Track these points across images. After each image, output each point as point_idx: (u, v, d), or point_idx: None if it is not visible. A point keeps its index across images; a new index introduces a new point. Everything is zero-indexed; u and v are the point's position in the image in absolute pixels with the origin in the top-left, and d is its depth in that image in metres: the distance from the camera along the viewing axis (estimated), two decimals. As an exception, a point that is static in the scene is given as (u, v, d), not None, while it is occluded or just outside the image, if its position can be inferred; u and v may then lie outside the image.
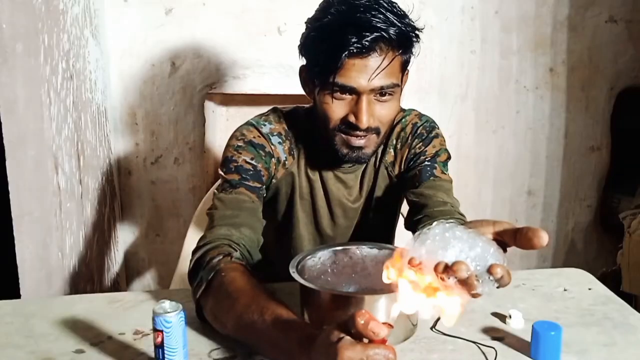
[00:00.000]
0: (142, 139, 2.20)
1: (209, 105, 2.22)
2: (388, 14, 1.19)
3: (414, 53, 1.26)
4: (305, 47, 1.29)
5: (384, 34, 1.18)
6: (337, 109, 1.24)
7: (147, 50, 2.12)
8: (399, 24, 1.20)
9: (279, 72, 2.18)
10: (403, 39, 1.21)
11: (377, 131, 1.26)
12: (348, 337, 0.82)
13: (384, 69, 1.19)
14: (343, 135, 1.26)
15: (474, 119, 2.42)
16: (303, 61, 1.32)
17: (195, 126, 2.20)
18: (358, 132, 1.25)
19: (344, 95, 1.23)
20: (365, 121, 1.22)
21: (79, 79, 1.79)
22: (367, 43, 1.17)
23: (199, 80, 2.17)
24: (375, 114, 1.24)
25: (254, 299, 1.03)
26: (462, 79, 2.37)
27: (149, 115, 2.18)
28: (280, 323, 0.96)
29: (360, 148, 1.27)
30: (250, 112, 1.46)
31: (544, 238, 0.79)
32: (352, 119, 1.23)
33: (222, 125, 2.28)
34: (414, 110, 1.44)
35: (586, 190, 2.57)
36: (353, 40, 1.17)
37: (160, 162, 2.23)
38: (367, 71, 1.20)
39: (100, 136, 2.00)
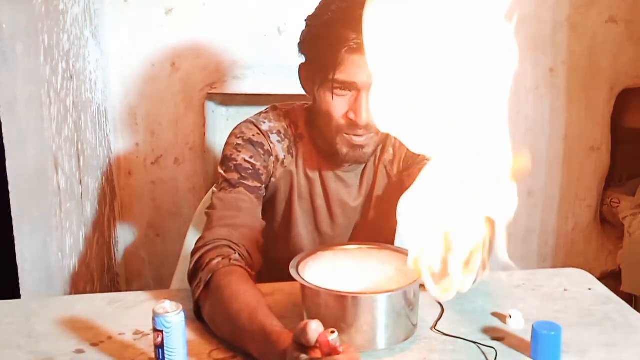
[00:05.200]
0: (142, 139, 2.19)
1: (209, 105, 2.22)
2: None
3: None
4: (305, 44, 1.29)
5: None
6: (337, 106, 1.25)
7: (147, 50, 2.12)
8: None
9: (279, 72, 2.17)
10: None
11: (376, 129, 1.26)
12: (303, 356, 0.86)
13: None
14: (345, 135, 1.26)
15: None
16: (303, 60, 1.32)
17: (195, 126, 2.20)
18: (359, 131, 1.25)
19: (344, 92, 1.23)
20: (364, 117, 1.22)
21: (79, 79, 1.79)
22: None
23: (199, 80, 2.16)
24: None
25: (245, 306, 1.04)
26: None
27: (149, 115, 2.17)
28: (265, 334, 0.98)
29: (360, 147, 1.27)
30: (250, 112, 1.46)
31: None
32: (352, 115, 1.24)
33: (222, 125, 2.28)
34: None
35: (586, 190, 2.56)
36: (353, 36, 1.18)
37: (160, 162, 2.23)
38: (366, 67, 1.20)
39: (100, 136, 2.00)
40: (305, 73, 1.33)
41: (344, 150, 1.28)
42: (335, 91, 1.23)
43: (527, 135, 2.46)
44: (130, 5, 2.08)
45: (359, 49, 1.18)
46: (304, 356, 0.87)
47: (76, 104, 1.75)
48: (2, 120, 1.44)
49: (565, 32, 2.38)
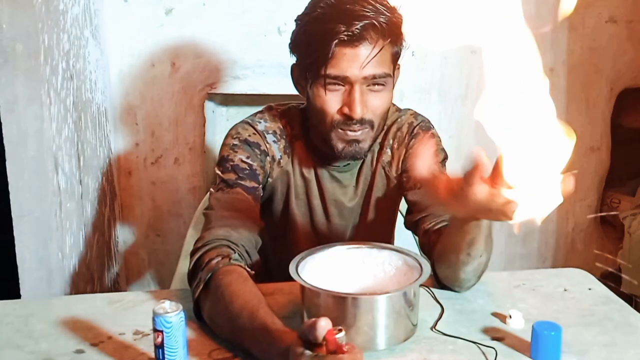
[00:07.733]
0: (142, 139, 2.20)
1: (209, 105, 2.22)
2: (377, 5, 1.21)
3: (404, 45, 1.27)
4: (296, 42, 1.30)
5: (374, 22, 1.19)
6: (330, 101, 1.24)
7: (147, 50, 2.12)
8: (388, 14, 1.21)
9: (279, 72, 2.18)
10: (392, 27, 1.21)
11: (371, 124, 1.26)
12: (308, 352, 0.86)
13: (375, 57, 1.20)
14: (340, 131, 1.26)
15: (474, 120, 2.41)
16: (294, 60, 1.33)
17: (195, 126, 2.20)
18: (354, 126, 1.25)
19: (336, 87, 1.23)
20: (359, 111, 1.22)
21: (79, 79, 1.79)
22: (357, 31, 1.18)
23: (199, 80, 2.16)
24: (369, 104, 1.24)
25: (246, 305, 1.04)
26: (462, 79, 2.37)
27: (149, 115, 2.18)
28: (266, 332, 0.98)
29: (356, 141, 1.27)
30: (250, 112, 1.46)
31: None
32: (346, 110, 1.24)
33: (222, 125, 2.28)
34: (409, 110, 1.44)
35: (586, 190, 2.56)
36: (342, 29, 1.18)
37: (160, 162, 2.23)
38: (358, 60, 1.20)
39: (100, 136, 2.00)
40: (298, 72, 1.32)
41: (340, 145, 1.28)
42: (327, 86, 1.23)
43: (527, 135, 2.46)
44: (130, 5, 2.08)
45: (349, 41, 1.19)
46: (307, 352, 0.86)
47: (76, 104, 1.75)
48: (2, 120, 1.45)
49: (565, 32, 2.38)
